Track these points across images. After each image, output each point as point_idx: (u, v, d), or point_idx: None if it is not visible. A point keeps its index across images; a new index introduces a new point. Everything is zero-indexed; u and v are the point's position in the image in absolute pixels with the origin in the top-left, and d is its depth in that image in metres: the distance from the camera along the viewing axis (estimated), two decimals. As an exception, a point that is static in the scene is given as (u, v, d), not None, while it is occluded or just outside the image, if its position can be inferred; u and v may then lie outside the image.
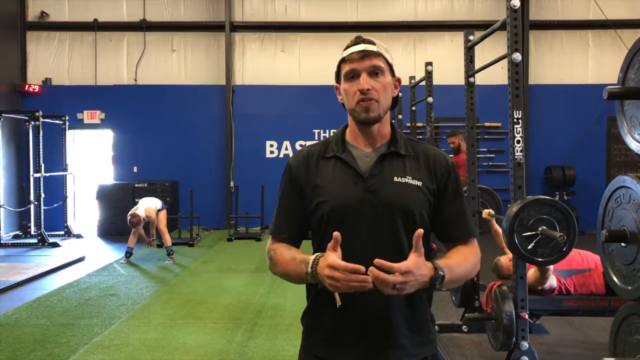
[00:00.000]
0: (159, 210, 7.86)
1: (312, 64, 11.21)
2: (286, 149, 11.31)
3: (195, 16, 11.30)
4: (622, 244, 1.94)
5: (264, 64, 11.32)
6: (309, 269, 1.47)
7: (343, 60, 1.64)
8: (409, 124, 7.85)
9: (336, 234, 1.43)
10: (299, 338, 1.74)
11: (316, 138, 11.25)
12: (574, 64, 11.22)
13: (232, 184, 11.08)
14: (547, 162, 10.87)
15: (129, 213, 7.61)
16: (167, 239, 7.87)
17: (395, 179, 1.59)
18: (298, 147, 11.24)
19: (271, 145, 11.31)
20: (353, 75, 1.62)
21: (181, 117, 11.20)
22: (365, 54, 1.59)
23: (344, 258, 1.42)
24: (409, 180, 1.59)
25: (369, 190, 1.58)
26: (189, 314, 5.40)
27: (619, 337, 2.08)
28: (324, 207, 1.59)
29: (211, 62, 11.36)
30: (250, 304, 5.75)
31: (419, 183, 1.60)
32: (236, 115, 11.20)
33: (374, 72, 1.60)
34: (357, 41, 1.64)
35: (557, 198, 8.30)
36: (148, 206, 7.75)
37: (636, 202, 1.90)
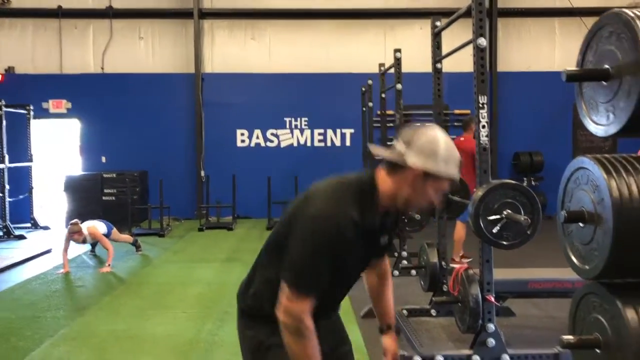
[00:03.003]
0: (105, 235, 7.00)
1: (282, 51, 11.14)
2: (257, 137, 11.25)
3: (163, 3, 11.12)
4: (581, 225, 1.97)
5: (233, 52, 11.21)
6: None
7: (444, 175, 1.74)
8: (379, 112, 7.87)
9: None
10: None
11: (287, 127, 11.20)
12: (541, 51, 11.36)
13: (202, 173, 10.98)
14: (515, 148, 11.03)
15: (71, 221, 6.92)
16: (126, 239, 7.60)
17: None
18: (269, 136, 11.21)
19: (242, 134, 11.24)
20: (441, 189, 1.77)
21: (150, 106, 11.03)
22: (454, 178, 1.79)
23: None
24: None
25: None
26: (159, 304, 5.35)
27: (578, 315, 2.11)
28: (344, 271, 1.79)
29: (180, 50, 11.20)
30: (221, 293, 5.72)
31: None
32: (206, 104, 11.08)
33: None
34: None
35: (525, 183, 8.43)
36: (93, 225, 6.93)
37: (593, 183, 1.92)
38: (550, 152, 10.74)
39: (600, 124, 2.00)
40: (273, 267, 1.79)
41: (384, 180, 1.76)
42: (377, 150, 1.83)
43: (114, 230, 7.18)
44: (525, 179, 10.62)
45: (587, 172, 1.96)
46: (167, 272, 6.72)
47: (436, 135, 1.73)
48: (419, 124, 1.82)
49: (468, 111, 10.79)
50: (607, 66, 1.93)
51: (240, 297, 1.98)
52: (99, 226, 6.98)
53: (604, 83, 1.95)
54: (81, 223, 6.81)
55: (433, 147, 1.70)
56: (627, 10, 1.87)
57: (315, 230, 1.64)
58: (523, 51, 11.29)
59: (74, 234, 6.68)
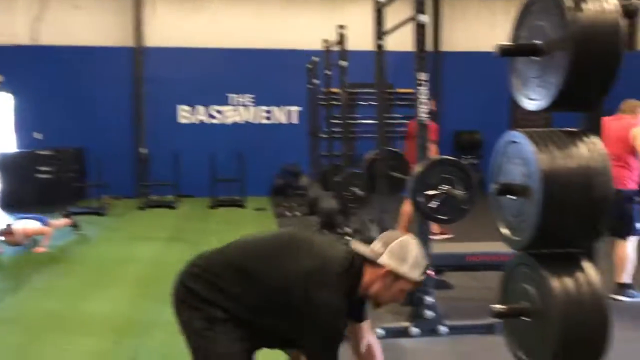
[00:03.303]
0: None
1: (227, 26, 10.89)
2: (200, 114, 11.03)
3: (100, -28, 10.66)
4: (511, 197, 2.02)
5: (176, 25, 10.87)
6: None
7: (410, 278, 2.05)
8: (324, 90, 7.85)
9: None
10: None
11: (231, 103, 11.04)
12: (484, 31, 11.56)
13: (143, 150, 10.70)
14: (456, 127, 11.25)
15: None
16: (65, 223, 7.14)
17: None
18: (213, 113, 11.02)
19: (184, 110, 10.99)
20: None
21: (87, 81, 10.61)
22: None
23: None
24: None
25: None
26: (97, 283, 5.21)
27: (508, 286, 2.18)
28: None
29: (119, 22, 10.78)
30: (162, 272, 5.60)
31: None
32: (147, 79, 10.75)
33: None
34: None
35: (464, 161, 8.63)
36: (23, 227, 6.29)
37: (523, 157, 1.97)
38: (490, 131, 10.99)
39: (532, 98, 2.04)
40: (240, 287, 2.00)
41: (366, 276, 2.04)
42: (359, 247, 2.08)
43: (50, 221, 6.78)
44: (464, 157, 10.87)
45: (518, 146, 2.00)
46: (106, 251, 6.54)
47: (409, 243, 2.07)
48: (398, 233, 2.23)
49: (412, 90, 10.93)
50: (537, 42, 1.97)
51: (190, 283, 2.08)
52: (30, 224, 6.42)
53: (536, 58, 1.99)
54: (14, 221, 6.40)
55: (405, 253, 2.03)
56: (557, -13, 1.90)
57: (326, 314, 1.94)
58: (467, 31, 11.45)
59: (5, 235, 6.22)
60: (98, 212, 8.82)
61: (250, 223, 8.23)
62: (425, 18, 3.67)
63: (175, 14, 10.90)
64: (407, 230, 6.76)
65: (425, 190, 3.66)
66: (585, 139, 1.93)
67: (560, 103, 1.93)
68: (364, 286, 2.04)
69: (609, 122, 4.71)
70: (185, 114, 11.01)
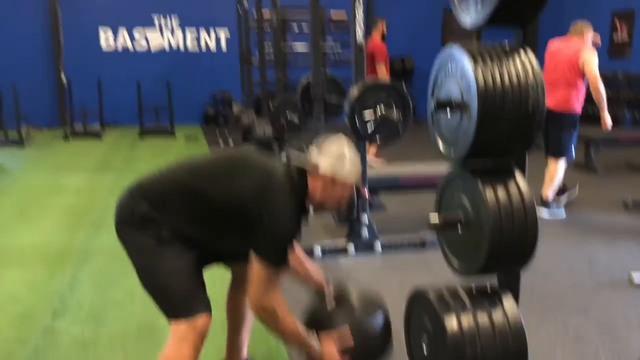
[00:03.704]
0: None
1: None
2: (124, 39, 10.47)
3: None
4: (448, 113, 2.07)
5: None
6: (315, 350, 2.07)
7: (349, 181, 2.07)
8: (255, 12, 7.60)
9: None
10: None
11: (155, 24, 10.52)
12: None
13: (63, 78, 10.11)
14: (389, 54, 11.25)
15: None
16: None
17: None
18: (136, 35, 10.49)
19: (106, 33, 10.39)
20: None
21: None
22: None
23: None
24: None
25: None
26: (23, 215, 5.02)
27: (443, 199, 2.27)
28: None
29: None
30: (92, 201, 5.48)
31: None
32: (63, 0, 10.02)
33: None
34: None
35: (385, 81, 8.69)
36: None
37: (461, 72, 2.01)
38: (421, 58, 11.13)
39: (469, 14, 2.07)
40: (184, 205, 1.94)
41: (311, 185, 2.04)
42: (297, 159, 2.09)
43: None
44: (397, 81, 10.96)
45: (455, 62, 2.04)
46: (30, 182, 6.28)
47: (343, 146, 2.08)
48: (330, 135, 2.19)
49: (345, 16, 10.76)
50: (476, -44, 1.97)
51: (133, 204, 1.97)
52: None
53: (474, -26, 2.00)
54: None
55: (341, 157, 2.05)
56: None
57: (287, 228, 1.93)
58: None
59: None
60: (17, 143, 8.37)
61: (182, 152, 8.08)
62: None
63: None
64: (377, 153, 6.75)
65: (362, 113, 3.69)
66: (520, 54, 1.98)
67: (496, 18, 1.96)
68: (310, 196, 2.06)
69: (557, 43, 4.86)
70: (107, 37, 10.41)
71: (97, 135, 9.14)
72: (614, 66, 9.72)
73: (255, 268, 1.90)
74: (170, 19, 10.56)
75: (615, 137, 6.37)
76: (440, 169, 4.34)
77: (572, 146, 4.81)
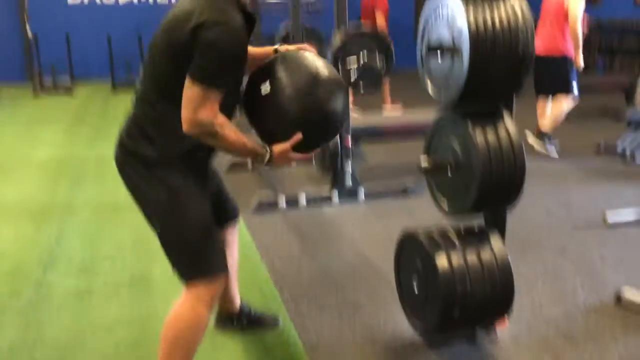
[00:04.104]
0: None
1: None
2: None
3: None
4: (439, 57, 2.10)
5: None
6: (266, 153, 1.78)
7: None
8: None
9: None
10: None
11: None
12: None
13: (29, 31, 9.74)
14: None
15: None
16: None
17: None
18: (104, -12, 10.13)
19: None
20: None
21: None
22: None
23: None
24: None
25: None
26: (1, 170, 4.94)
27: (432, 143, 2.33)
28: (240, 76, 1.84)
29: None
30: (71, 155, 5.40)
31: None
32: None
33: None
34: None
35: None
36: None
37: (452, 17, 2.03)
38: (393, 6, 10.99)
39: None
40: (165, 93, 1.77)
41: None
42: None
43: None
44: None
45: (446, 6, 2.05)
46: (4, 138, 6.14)
47: None
48: None
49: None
50: None
51: (129, 142, 1.85)
52: None
53: None
54: None
55: None
56: None
57: (216, 36, 1.65)
58: None
59: None
60: (-16, 100, 8.14)
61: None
62: None
63: None
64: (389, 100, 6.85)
65: (345, 60, 3.69)
66: (510, -4, 2.01)
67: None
68: None
69: None
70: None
71: (67, 90, 8.91)
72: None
73: (185, 89, 1.67)
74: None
75: (588, 83, 6.48)
76: (421, 116, 4.41)
77: (574, 83, 4.97)
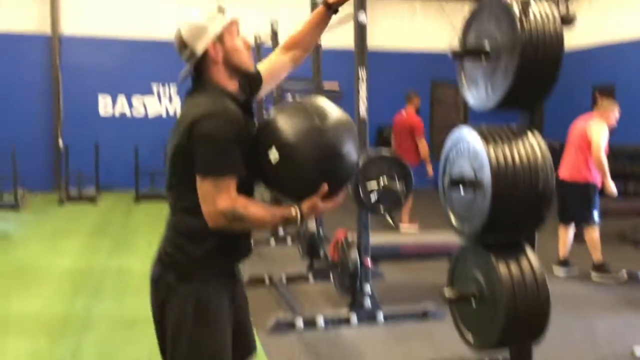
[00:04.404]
0: None
1: (148, 15, 10.59)
2: (122, 105, 10.67)
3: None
4: (461, 190, 2.17)
5: (95, 13, 10.43)
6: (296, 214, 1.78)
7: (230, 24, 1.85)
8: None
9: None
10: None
11: (154, 92, 10.77)
12: (404, 30, 11.95)
13: (61, 142, 10.21)
14: (379, 121, 11.53)
15: None
16: None
17: None
18: (135, 103, 10.70)
19: (104, 100, 10.58)
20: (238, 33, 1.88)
21: (2, 68, 9.98)
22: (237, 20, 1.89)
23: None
24: None
25: None
26: (22, 282, 4.97)
27: (456, 273, 2.34)
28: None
29: (35, 8, 10.17)
30: (90, 267, 5.45)
31: None
32: (64, 68, 10.26)
33: None
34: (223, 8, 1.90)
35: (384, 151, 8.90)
36: None
37: (473, 152, 2.12)
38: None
39: (480, 97, 2.21)
40: (180, 201, 1.82)
41: (214, 78, 1.85)
42: (182, 75, 1.90)
43: None
44: (387, 149, 11.19)
45: (468, 144, 2.16)
46: (27, 247, 6.24)
47: (182, 21, 1.88)
48: None
49: (335, 83, 11.06)
50: (487, 46, 2.13)
51: (165, 257, 1.87)
52: None
53: (484, 61, 2.15)
54: None
55: (195, 25, 1.84)
56: (504, -3, 2.07)
57: (208, 128, 1.71)
58: (388, 29, 11.75)
59: None
60: (12, 207, 8.36)
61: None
62: (365, 18, 3.79)
63: (95, 2, 10.45)
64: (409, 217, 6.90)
65: (366, 184, 3.80)
66: (529, 135, 2.11)
67: (506, 102, 2.10)
68: (223, 81, 1.85)
69: (581, 117, 5.22)
70: (105, 104, 10.60)
71: (92, 200, 9.15)
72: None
73: (198, 187, 1.72)
74: (169, 87, 10.82)
75: (605, 208, 6.52)
76: (439, 238, 4.44)
77: (594, 211, 5.02)
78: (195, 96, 1.84)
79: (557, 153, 5.17)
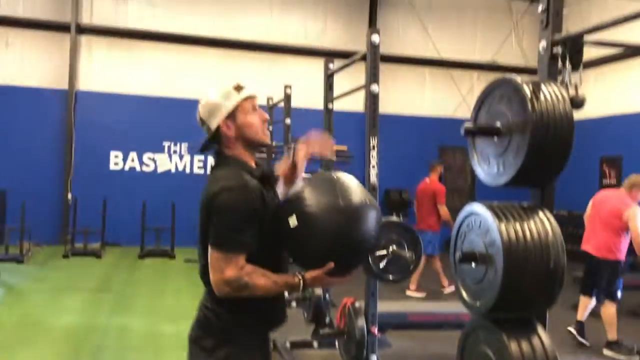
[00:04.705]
0: None
1: (165, 74, 10.88)
2: (132, 161, 10.81)
3: (37, 12, 10.41)
4: (473, 264, 2.17)
5: (112, 71, 10.75)
6: (300, 282, 1.85)
7: (244, 100, 1.96)
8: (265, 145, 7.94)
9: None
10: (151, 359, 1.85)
11: (166, 151, 10.92)
12: (413, 96, 12.19)
13: (69, 196, 10.30)
14: (386, 185, 11.62)
15: None
16: None
17: None
18: (146, 160, 10.84)
19: (116, 157, 10.74)
20: (254, 109, 1.97)
21: (15, 120, 10.22)
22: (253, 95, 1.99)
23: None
24: None
25: None
26: (23, 339, 4.91)
27: (466, 349, 2.30)
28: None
29: (53, 64, 10.51)
30: (92, 325, 5.38)
31: None
32: (79, 123, 10.47)
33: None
34: (241, 87, 1.98)
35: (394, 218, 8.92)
36: None
37: (484, 228, 2.14)
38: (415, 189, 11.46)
39: (491, 174, 2.24)
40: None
41: (232, 152, 1.96)
42: (199, 147, 2.04)
43: None
44: (394, 214, 11.22)
45: (479, 218, 2.17)
46: (30, 302, 6.19)
47: (202, 99, 2.00)
48: None
49: (345, 147, 11.24)
50: (498, 124, 2.18)
51: (192, 331, 1.97)
52: None
53: (495, 139, 2.20)
54: None
55: (210, 103, 1.96)
56: (517, 77, 2.14)
57: (225, 201, 1.80)
58: (397, 95, 11.98)
59: None
60: (17, 259, 8.34)
61: (181, 275, 8.06)
62: (377, 88, 3.89)
63: (112, 60, 10.77)
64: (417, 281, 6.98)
65: (375, 251, 3.79)
66: (540, 213, 2.13)
67: (518, 180, 2.13)
68: (240, 155, 1.95)
69: (605, 192, 5.27)
70: (116, 160, 10.75)
71: (96, 255, 9.13)
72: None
73: (209, 254, 1.81)
74: (180, 146, 10.98)
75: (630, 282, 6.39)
76: (448, 307, 4.40)
77: (618, 289, 4.99)
78: (216, 170, 1.94)
79: (564, 221, 5.18)
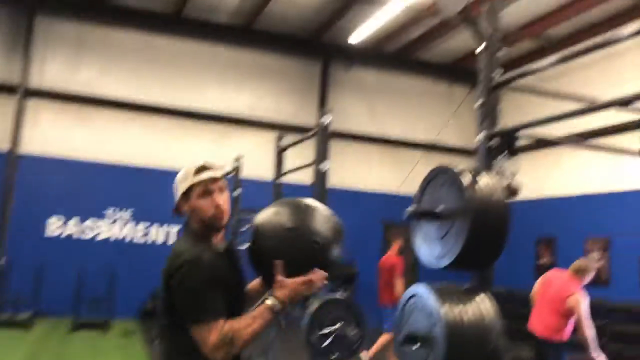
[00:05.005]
0: None
1: (113, 141, 10.76)
2: (73, 227, 10.45)
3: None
4: (416, 346, 2.21)
5: (59, 136, 10.53)
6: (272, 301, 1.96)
7: (194, 184, 2.08)
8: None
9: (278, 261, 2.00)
10: None
11: (109, 218, 10.64)
12: (360, 172, 12.48)
13: (2, 261, 9.78)
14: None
15: None
16: None
17: None
18: (88, 224, 10.49)
19: (57, 222, 10.37)
20: (207, 192, 2.08)
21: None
22: (215, 179, 2.10)
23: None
24: None
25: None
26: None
27: None
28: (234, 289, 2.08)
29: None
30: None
31: None
32: (19, 186, 10.11)
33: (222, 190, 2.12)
34: (204, 168, 2.12)
35: (339, 294, 8.87)
36: None
37: (427, 310, 2.20)
38: (363, 264, 11.53)
39: (433, 256, 2.33)
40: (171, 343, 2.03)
41: (194, 226, 2.11)
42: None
43: None
44: (340, 289, 11.19)
45: (422, 299, 2.24)
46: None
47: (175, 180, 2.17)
48: None
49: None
50: (440, 209, 2.29)
51: None
52: None
53: (437, 223, 2.31)
54: None
55: (176, 179, 2.16)
56: (456, 166, 2.27)
57: (186, 273, 1.92)
58: (344, 170, 12.21)
59: None
60: None
61: (115, 350, 7.68)
62: (327, 166, 4.01)
63: (59, 124, 10.59)
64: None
65: (319, 330, 3.77)
66: (480, 295, 2.22)
67: (459, 263, 2.22)
68: (199, 229, 2.09)
69: (553, 273, 5.27)
70: (55, 227, 10.38)
71: (26, 326, 8.60)
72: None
73: (192, 334, 1.90)
74: (125, 213, 10.74)
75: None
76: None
77: None
78: (179, 242, 2.11)
79: (502, 298, 5.28)
